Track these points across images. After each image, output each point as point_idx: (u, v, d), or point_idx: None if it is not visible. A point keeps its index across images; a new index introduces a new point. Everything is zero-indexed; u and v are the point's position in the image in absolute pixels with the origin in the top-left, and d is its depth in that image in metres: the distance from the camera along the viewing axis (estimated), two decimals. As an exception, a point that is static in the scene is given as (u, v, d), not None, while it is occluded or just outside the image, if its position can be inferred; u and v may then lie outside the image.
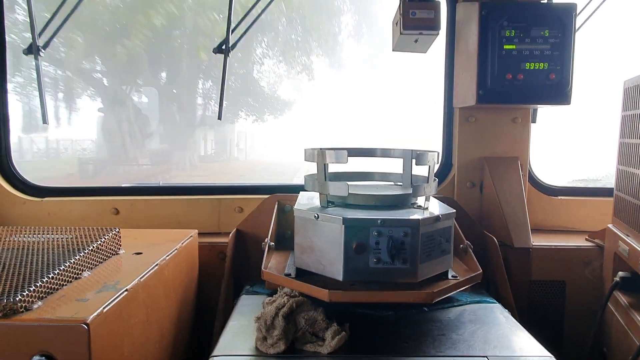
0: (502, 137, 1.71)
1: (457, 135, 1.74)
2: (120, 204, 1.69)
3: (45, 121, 1.66)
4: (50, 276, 0.92)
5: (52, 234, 1.21)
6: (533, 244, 1.51)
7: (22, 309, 0.83)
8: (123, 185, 1.80)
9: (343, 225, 1.02)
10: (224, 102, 1.74)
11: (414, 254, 1.03)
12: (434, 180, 1.18)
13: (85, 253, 1.06)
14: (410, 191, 1.16)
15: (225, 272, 1.41)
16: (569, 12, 1.44)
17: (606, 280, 1.48)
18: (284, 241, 1.44)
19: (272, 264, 1.26)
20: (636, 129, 1.31)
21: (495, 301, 1.27)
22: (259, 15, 1.78)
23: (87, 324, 0.80)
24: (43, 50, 1.63)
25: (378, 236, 1.03)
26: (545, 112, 1.78)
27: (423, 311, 1.19)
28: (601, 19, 1.69)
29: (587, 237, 1.63)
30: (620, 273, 1.32)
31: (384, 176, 1.42)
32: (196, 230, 1.48)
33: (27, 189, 1.70)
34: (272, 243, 1.31)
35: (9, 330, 0.80)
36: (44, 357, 0.80)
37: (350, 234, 1.02)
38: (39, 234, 1.22)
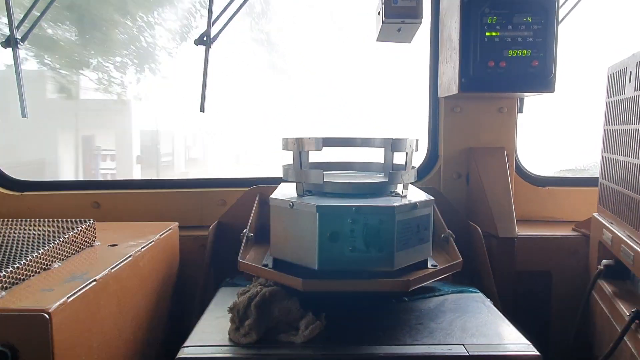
0: (488, 127, 1.70)
1: (442, 126, 1.72)
2: (101, 198, 1.67)
3: (24, 115, 1.64)
4: (15, 266, 0.90)
5: (26, 226, 1.19)
6: (519, 234, 1.49)
7: (-17, 299, 0.81)
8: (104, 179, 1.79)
9: (317, 213, 1.00)
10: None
11: (390, 242, 1.01)
12: (413, 167, 1.16)
13: (56, 244, 1.04)
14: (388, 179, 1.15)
15: (203, 264, 1.39)
16: (552, -2, 1.42)
17: (592, 269, 1.46)
18: (266, 233, 1.42)
19: (252, 256, 1.25)
20: (620, 115, 1.29)
21: (478, 291, 1.26)
22: (242, 5, 1.75)
23: (48, 314, 0.78)
24: (22, 43, 1.61)
25: (353, 224, 1.01)
26: (533, 102, 1.76)
27: (403, 301, 1.18)
28: (586, 7, 1.67)
29: (573, 227, 1.62)
30: (604, 261, 1.31)
31: (365, 166, 1.40)
32: (176, 223, 1.46)
33: (6, 183, 1.68)
34: (251, 234, 1.29)
35: (-32, 321, 0.78)
36: (5, 349, 0.78)
37: (325, 222, 1.01)
38: (12, 226, 1.20)
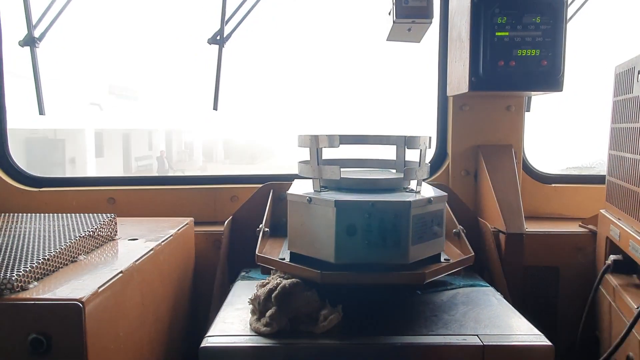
0: (496, 126, 1.72)
1: (451, 124, 1.75)
2: (117, 194, 1.70)
3: (42, 112, 1.67)
4: (46, 257, 0.93)
5: (48, 220, 1.23)
6: (527, 230, 1.52)
7: (18, 288, 0.84)
8: (119, 175, 1.82)
9: (335, 208, 1.03)
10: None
11: (405, 236, 1.04)
12: (426, 164, 1.19)
13: (80, 237, 1.07)
14: (402, 175, 1.17)
15: (220, 258, 1.43)
16: (560, -2, 1.45)
17: (599, 265, 1.49)
18: (280, 228, 1.45)
19: (267, 250, 1.28)
20: (627, 113, 1.32)
21: (489, 285, 1.29)
22: (254, 5, 1.78)
23: (82, 303, 0.81)
24: (39, 42, 1.64)
25: (369, 218, 1.04)
26: (540, 101, 1.79)
27: (416, 294, 1.21)
28: (594, 7, 1.69)
29: (580, 224, 1.65)
30: (612, 256, 1.34)
31: (379, 163, 1.43)
32: (191, 218, 1.49)
33: (23, 179, 1.71)
34: (267, 229, 1.32)
35: (5, 309, 0.81)
36: (40, 336, 0.81)
37: (342, 217, 1.04)
38: (34, 220, 1.23)
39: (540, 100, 1.79)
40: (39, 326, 0.81)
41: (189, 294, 1.44)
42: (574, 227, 1.63)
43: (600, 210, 1.49)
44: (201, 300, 1.48)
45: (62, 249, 0.99)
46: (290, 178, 1.45)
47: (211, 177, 1.80)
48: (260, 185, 1.55)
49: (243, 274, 1.38)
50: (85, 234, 1.10)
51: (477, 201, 1.72)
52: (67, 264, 1.00)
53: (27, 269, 0.87)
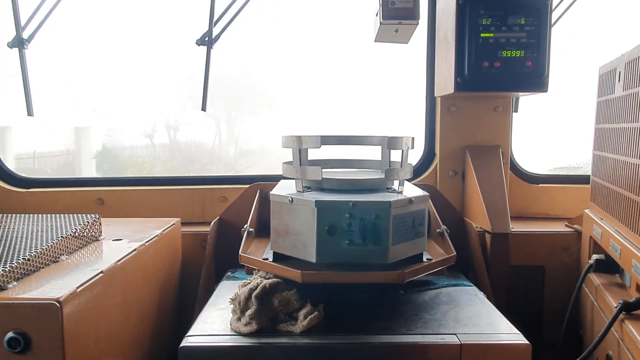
0: (484, 126, 1.73)
1: (439, 125, 1.76)
2: (105, 195, 1.71)
3: (30, 113, 1.68)
4: (26, 257, 0.94)
5: (34, 221, 1.23)
6: (512, 229, 1.53)
7: (-3, 289, 0.85)
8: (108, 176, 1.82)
9: (316, 208, 1.04)
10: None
11: (386, 236, 1.05)
12: (409, 164, 1.20)
13: (63, 237, 1.08)
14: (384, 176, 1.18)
15: (205, 258, 1.43)
16: (544, 0, 1.46)
17: (583, 264, 1.50)
18: (266, 228, 1.46)
19: (252, 250, 1.28)
20: (610, 114, 1.33)
21: (472, 285, 1.29)
22: (243, 6, 1.79)
23: (59, 302, 0.82)
24: (27, 43, 1.65)
25: (350, 218, 1.04)
26: (528, 101, 1.80)
27: (399, 294, 1.21)
28: (579, 9, 1.70)
29: (566, 224, 1.66)
30: (595, 256, 1.35)
31: (362, 163, 1.43)
32: (178, 219, 1.50)
33: (11, 180, 1.72)
34: (252, 229, 1.33)
35: (-17, 309, 0.82)
36: (17, 335, 0.82)
37: (323, 217, 1.04)
38: (20, 221, 1.23)
39: (528, 101, 1.80)
40: (17, 325, 0.81)
41: (174, 294, 1.44)
42: (560, 227, 1.64)
43: (585, 210, 1.50)
44: (187, 301, 1.48)
45: (43, 249, 1.00)
46: (278, 179, 1.46)
47: (200, 177, 1.81)
48: (248, 186, 1.55)
49: (229, 274, 1.38)
50: (68, 235, 1.10)
51: (465, 201, 1.73)
52: (48, 264, 1.01)
53: (7, 269, 0.88)
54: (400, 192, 1.15)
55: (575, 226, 1.60)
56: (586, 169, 1.87)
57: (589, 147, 1.53)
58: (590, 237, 1.41)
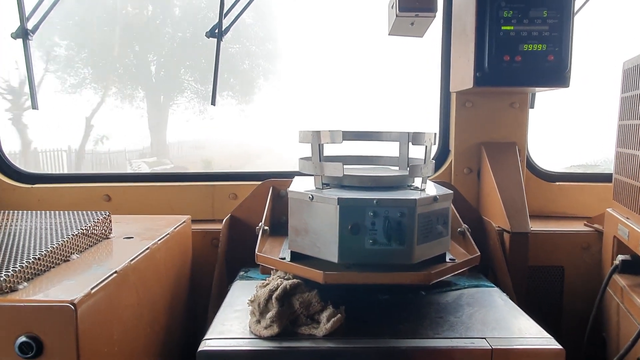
0: (500, 123, 1.69)
1: (454, 121, 1.71)
2: (112, 191, 1.66)
3: (35, 106, 1.63)
4: (36, 257, 0.89)
5: (41, 218, 1.18)
6: (531, 229, 1.49)
7: (7, 289, 0.80)
8: (115, 172, 1.78)
9: (338, 206, 1.00)
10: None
11: (411, 235, 1.01)
12: (432, 161, 1.16)
13: (73, 236, 1.03)
14: (407, 172, 1.14)
15: (218, 257, 1.39)
16: (568, -8, 1.41)
17: (605, 264, 1.46)
18: (280, 227, 1.42)
19: (267, 249, 1.24)
20: (636, 110, 1.28)
21: (494, 285, 1.26)
22: (253, -1, 1.74)
23: (74, 305, 0.77)
24: (32, 34, 1.60)
25: (374, 217, 1.00)
26: (544, 97, 1.76)
27: (420, 295, 1.17)
28: (602, 1, 1.66)
29: (585, 223, 1.62)
30: (620, 256, 1.31)
31: (381, 160, 1.39)
32: (189, 216, 1.46)
33: (16, 176, 1.67)
34: (267, 227, 1.29)
35: (-7, 311, 0.77)
36: (29, 339, 0.77)
37: (346, 215, 1.00)
38: (27, 218, 1.19)
39: (544, 97, 1.75)
40: (29, 329, 0.77)
41: (186, 295, 1.40)
42: (579, 226, 1.60)
43: (607, 209, 1.46)
44: (199, 301, 1.44)
45: (53, 248, 0.95)
46: (291, 175, 1.41)
47: (209, 174, 1.76)
48: (260, 183, 1.51)
49: (242, 273, 1.34)
50: (78, 232, 1.06)
51: (480, 199, 1.69)
52: (59, 264, 0.96)
53: (17, 269, 0.83)
54: (424, 190, 1.11)
55: (595, 225, 1.56)
56: (603, 167, 1.83)
57: (607, 144, 1.49)
58: (614, 236, 1.38)
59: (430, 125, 1.83)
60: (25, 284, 0.84)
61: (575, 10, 1.49)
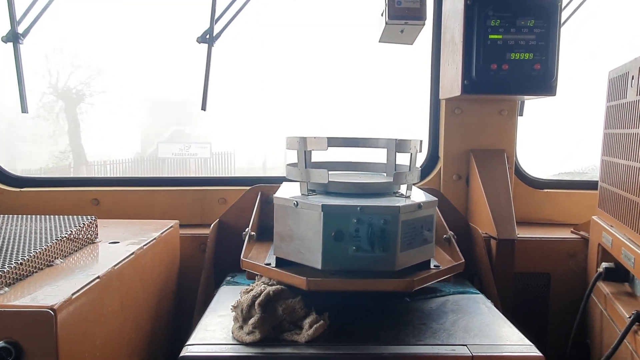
0: (489, 130, 1.70)
1: (443, 128, 1.73)
2: (101, 195, 1.66)
3: (24, 110, 1.63)
4: (18, 262, 0.89)
5: (27, 222, 1.18)
6: (518, 235, 1.50)
7: (-13, 295, 0.80)
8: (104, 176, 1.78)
9: (322, 213, 1.00)
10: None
11: (394, 242, 1.01)
12: (417, 168, 1.17)
13: (58, 240, 1.03)
14: (392, 179, 1.15)
15: (205, 262, 1.39)
16: (554, 2, 1.43)
17: (590, 272, 1.47)
18: (268, 232, 1.42)
19: (253, 254, 1.24)
20: (621, 119, 1.30)
21: (479, 292, 1.26)
22: (245, 3, 1.75)
23: (53, 310, 0.78)
24: (23, 38, 1.60)
25: (358, 224, 1.01)
26: (533, 105, 1.77)
27: (405, 301, 1.18)
28: (588, 11, 1.68)
29: (572, 230, 1.63)
30: (604, 264, 1.32)
31: (368, 166, 1.40)
32: (177, 221, 1.46)
33: (4, 179, 1.67)
34: (253, 233, 1.29)
35: (-28, 316, 0.77)
36: (8, 344, 0.77)
37: (330, 222, 1.01)
38: (12, 222, 1.19)
39: (534, 105, 1.77)
40: (8, 334, 0.77)
41: (172, 300, 1.40)
42: (565, 233, 1.61)
43: (593, 217, 1.47)
44: (185, 306, 1.44)
45: (37, 253, 0.95)
46: (280, 180, 1.42)
47: (199, 178, 1.76)
48: (249, 188, 1.51)
49: (228, 278, 1.34)
50: (63, 237, 1.06)
51: (468, 206, 1.70)
52: (42, 269, 0.96)
53: (-2, 274, 0.83)
54: (409, 197, 1.12)
55: (581, 233, 1.57)
56: (591, 175, 1.84)
57: (594, 152, 1.50)
58: (599, 244, 1.39)
59: (420, 132, 1.84)
60: (6, 289, 0.84)
61: (563, 21, 1.51)
